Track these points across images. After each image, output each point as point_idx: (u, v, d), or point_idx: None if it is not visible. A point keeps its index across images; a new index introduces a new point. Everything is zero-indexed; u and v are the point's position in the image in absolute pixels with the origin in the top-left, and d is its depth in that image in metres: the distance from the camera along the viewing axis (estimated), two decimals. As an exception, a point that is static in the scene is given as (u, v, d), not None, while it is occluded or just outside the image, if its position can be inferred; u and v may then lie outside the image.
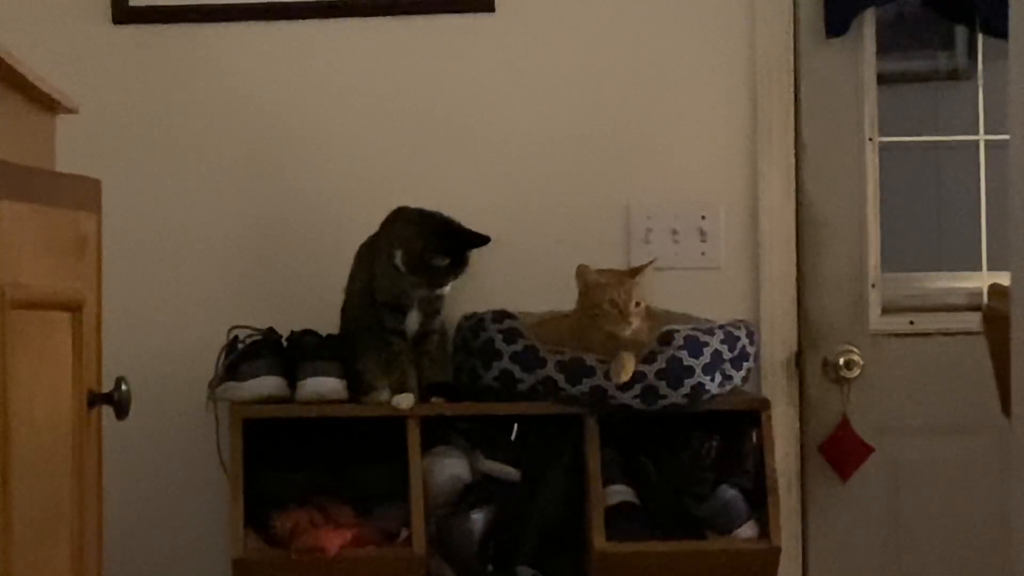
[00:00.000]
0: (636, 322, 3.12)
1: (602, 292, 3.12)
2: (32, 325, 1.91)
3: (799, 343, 3.49)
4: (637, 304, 3.11)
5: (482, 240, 3.13)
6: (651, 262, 3.20)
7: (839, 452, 3.47)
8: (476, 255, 3.15)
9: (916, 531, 3.50)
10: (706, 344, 3.13)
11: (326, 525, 3.05)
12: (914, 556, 3.50)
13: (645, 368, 3.09)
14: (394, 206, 3.26)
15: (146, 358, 3.30)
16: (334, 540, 3.02)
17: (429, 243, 3.10)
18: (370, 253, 3.20)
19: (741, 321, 3.28)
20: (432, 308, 3.17)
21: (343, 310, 3.23)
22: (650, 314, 3.20)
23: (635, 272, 3.16)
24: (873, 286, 3.52)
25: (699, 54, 3.46)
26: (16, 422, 1.82)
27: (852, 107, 3.51)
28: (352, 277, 3.22)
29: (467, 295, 3.23)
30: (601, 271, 3.16)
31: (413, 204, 3.21)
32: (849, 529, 3.50)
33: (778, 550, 3.11)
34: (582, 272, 3.15)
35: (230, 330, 3.26)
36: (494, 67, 3.47)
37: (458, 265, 3.12)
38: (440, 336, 3.22)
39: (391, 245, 3.14)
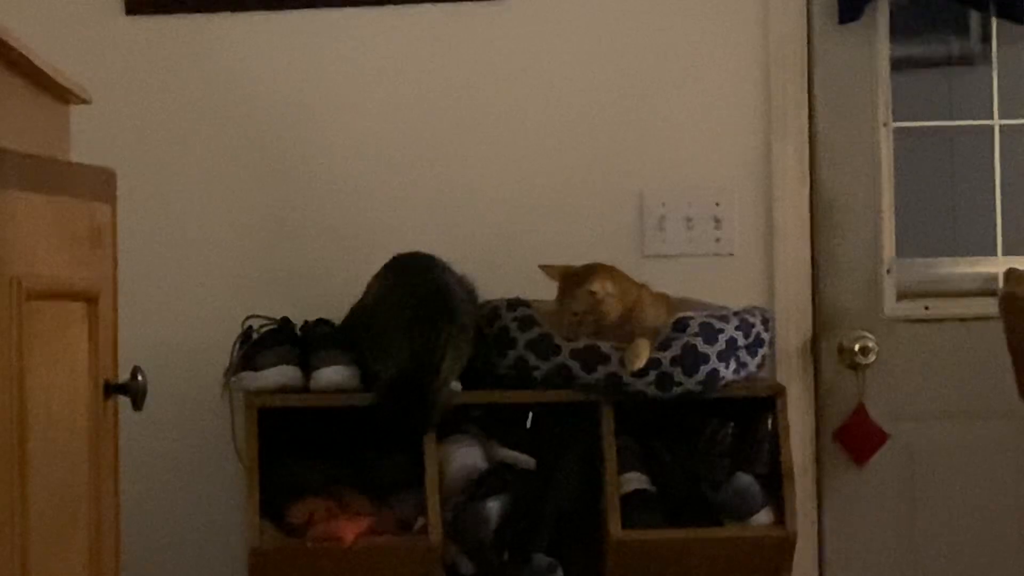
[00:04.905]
0: (609, 311, 3.10)
1: (567, 306, 3.12)
2: (48, 316, 1.91)
3: (814, 329, 3.48)
4: (599, 298, 3.09)
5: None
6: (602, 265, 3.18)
7: (855, 438, 3.47)
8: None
9: (932, 517, 3.50)
10: (721, 331, 3.13)
11: (342, 514, 3.05)
12: (930, 542, 3.50)
13: (660, 355, 3.09)
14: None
15: (162, 348, 3.30)
16: (350, 529, 3.02)
17: None
18: (380, 294, 3.18)
19: (756, 307, 3.27)
20: None
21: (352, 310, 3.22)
22: (664, 301, 3.20)
23: (581, 279, 3.13)
24: (888, 272, 3.51)
25: (712, 40, 3.46)
26: (32, 413, 1.82)
27: (866, 92, 3.50)
28: (365, 294, 3.21)
29: (481, 283, 3.22)
30: (564, 275, 3.15)
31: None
32: (865, 515, 3.49)
33: (794, 536, 3.11)
34: (550, 276, 3.14)
35: (245, 320, 3.26)
36: (505, 54, 3.46)
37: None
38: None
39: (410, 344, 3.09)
